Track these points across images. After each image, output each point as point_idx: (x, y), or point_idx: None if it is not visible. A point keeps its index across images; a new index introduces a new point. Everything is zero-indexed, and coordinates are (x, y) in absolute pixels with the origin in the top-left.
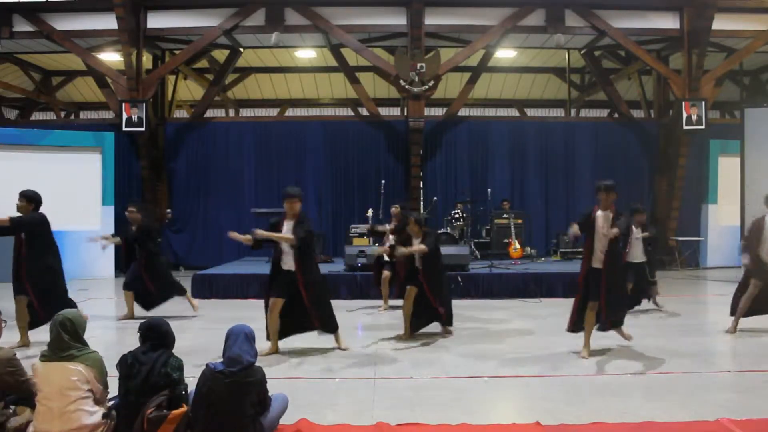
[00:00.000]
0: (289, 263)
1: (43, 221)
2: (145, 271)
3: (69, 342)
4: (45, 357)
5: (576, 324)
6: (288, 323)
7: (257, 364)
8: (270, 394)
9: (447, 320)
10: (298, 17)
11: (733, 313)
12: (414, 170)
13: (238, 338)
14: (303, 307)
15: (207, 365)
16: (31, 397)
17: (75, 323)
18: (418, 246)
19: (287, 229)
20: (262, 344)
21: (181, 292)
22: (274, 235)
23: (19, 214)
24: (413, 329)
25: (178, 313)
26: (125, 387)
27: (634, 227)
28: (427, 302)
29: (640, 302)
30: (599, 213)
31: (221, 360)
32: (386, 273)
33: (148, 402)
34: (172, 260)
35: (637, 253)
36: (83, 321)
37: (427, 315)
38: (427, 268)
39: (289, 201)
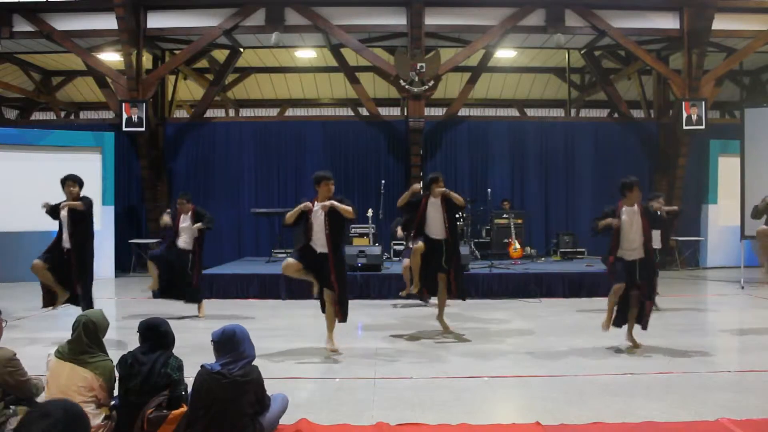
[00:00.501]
0: (321, 246)
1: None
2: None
3: (86, 346)
4: (60, 354)
5: (618, 319)
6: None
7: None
8: (270, 394)
9: (459, 293)
10: (298, 17)
11: None
12: (414, 170)
13: (234, 338)
14: (327, 287)
15: (203, 366)
16: (31, 397)
17: (98, 326)
18: (456, 195)
19: (318, 209)
20: (262, 343)
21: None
22: (340, 206)
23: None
24: (422, 283)
25: (178, 312)
26: (125, 387)
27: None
28: (438, 268)
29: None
30: (625, 209)
31: (217, 360)
32: (407, 261)
33: (148, 402)
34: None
35: (655, 239)
36: (106, 324)
37: (435, 283)
38: (451, 232)
39: (326, 183)
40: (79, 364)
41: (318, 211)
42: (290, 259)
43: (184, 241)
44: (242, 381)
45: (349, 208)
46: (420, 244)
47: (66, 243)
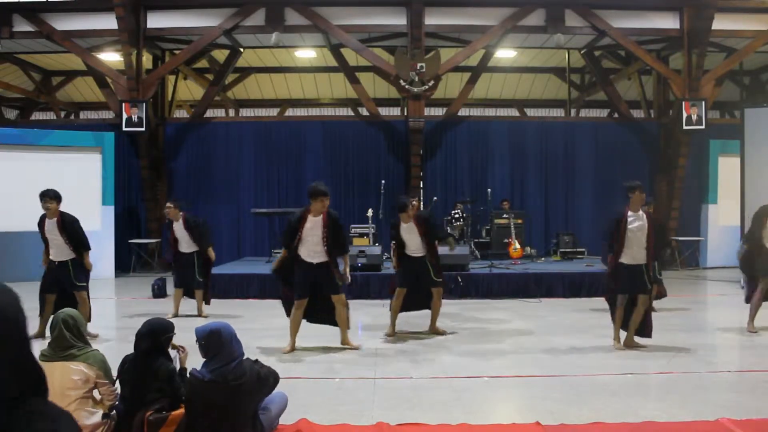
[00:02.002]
0: (318, 257)
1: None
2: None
3: (71, 340)
4: (45, 357)
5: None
6: (313, 314)
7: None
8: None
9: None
10: (298, 17)
11: None
12: (414, 170)
13: (220, 337)
14: (328, 301)
15: (191, 374)
16: None
17: (77, 321)
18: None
19: (312, 225)
20: (262, 343)
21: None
22: (345, 271)
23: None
24: (408, 304)
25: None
26: (123, 390)
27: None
28: (430, 283)
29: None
30: (630, 213)
31: (205, 363)
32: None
33: (146, 405)
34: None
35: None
36: (84, 319)
37: (426, 299)
38: (429, 249)
39: (321, 200)
40: (68, 359)
41: (314, 228)
42: (299, 300)
43: (186, 245)
44: (236, 384)
45: (348, 277)
46: (401, 288)
47: (58, 256)
